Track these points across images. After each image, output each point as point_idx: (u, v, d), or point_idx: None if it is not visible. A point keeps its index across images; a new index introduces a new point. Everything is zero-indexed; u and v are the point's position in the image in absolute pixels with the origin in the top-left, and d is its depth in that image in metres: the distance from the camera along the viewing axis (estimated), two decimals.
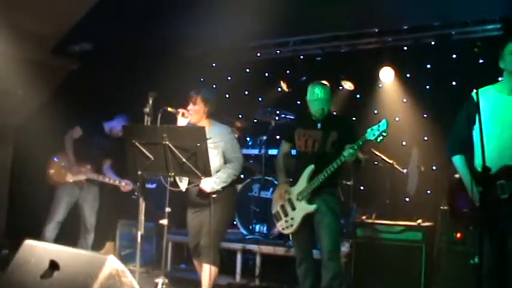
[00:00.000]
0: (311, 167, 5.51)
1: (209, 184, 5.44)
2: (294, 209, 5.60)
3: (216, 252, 5.56)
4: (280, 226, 5.75)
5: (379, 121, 5.14)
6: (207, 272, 5.53)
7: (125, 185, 7.09)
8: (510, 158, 4.27)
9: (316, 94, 5.60)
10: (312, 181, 5.49)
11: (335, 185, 5.68)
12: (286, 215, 5.66)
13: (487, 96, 4.42)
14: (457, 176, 4.59)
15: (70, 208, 7.19)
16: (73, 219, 7.28)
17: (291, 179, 5.84)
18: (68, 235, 7.16)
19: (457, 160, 4.56)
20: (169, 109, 5.45)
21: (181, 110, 5.59)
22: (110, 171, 7.29)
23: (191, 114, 5.60)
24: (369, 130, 5.15)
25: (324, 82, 5.77)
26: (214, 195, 5.45)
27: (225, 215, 5.69)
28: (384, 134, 5.08)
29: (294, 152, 5.95)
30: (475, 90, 4.33)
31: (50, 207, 7.14)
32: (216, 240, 5.57)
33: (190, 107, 5.62)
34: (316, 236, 5.55)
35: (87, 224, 7.25)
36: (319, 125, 5.62)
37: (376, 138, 5.11)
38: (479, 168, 4.28)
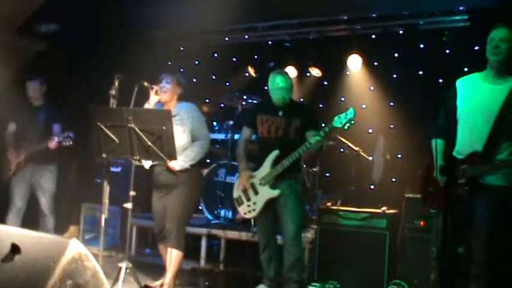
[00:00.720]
0: (276, 152, 5.52)
1: (177, 162, 5.39)
2: (256, 193, 5.62)
3: (181, 236, 5.53)
4: (242, 210, 5.78)
5: (347, 109, 5.18)
6: (172, 256, 5.50)
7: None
8: (479, 144, 4.31)
9: (277, 83, 5.61)
10: (276, 166, 5.50)
11: (298, 171, 5.73)
12: (248, 199, 5.68)
13: (467, 84, 4.48)
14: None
15: (27, 194, 7.05)
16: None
17: (252, 164, 5.86)
18: (34, 221, 7.06)
19: (434, 143, 4.54)
20: (145, 84, 5.41)
21: (155, 87, 5.53)
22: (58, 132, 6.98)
23: (164, 93, 5.55)
24: (336, 118, 5.20)
25: (285, 71, 5.81)
26: (181, 175, 5.44)
27: (190, 200, 5.65)
28: (351, 122, 5.12)
29: (254, 137, 5.97)
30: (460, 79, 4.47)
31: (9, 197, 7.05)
32: (181, 225, 5.55)
33: (163, 84, 5.56)
34: (279, 220, 5.56)
35: (43, 207, 7.09)
36: (280, 112, 5.64)
37: (343, 126, 5.16)
38: (456, 155, 4.39)
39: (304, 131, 5.52)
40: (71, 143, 6.73)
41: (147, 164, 5.56)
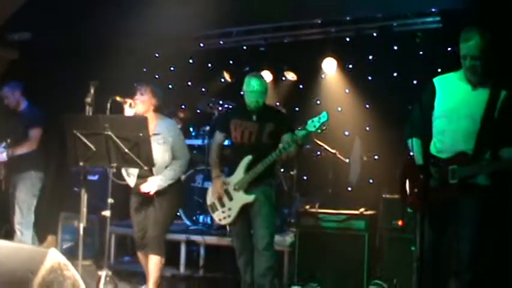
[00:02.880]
0: (249, 157, 5.47)
1: (155, 183, 5.42)
2: (231, 199, 5.57)
3: (162, 243, 5.57)
4: (217, 217, 5.72)
5: (320, 113, 5.19)
6: (154, 263, 5.52)
7: None
8: (464, 144, 4.35)
9: (252, 86, 5.57)
10: (249, 171, 5.46)
11: (272, 176, 5.67)
12: (223, 205, 5.62)
13: (445, 83, 4.51)
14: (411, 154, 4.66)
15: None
16: None
17: (225, 168, 5.85)
18: None
19: (410, 143, 4.60)
20: (118, 98, 5.36)
21: (129, 100, 5.51)
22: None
23: (139, 104, 5.54)
24: (309, 121, 5.17)
25: (261, 74, 5.80)
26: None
27: (172, 208, 5.71)
28: (324, 126, 5.14)
29: (227, 142, 5.95)
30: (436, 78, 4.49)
31: None
32: (163, 233, 5.59)
33: (138, 96, 5.56)
34: (252, 226, 5.57)
35: (15, 223, 6.86)
36: (254, 117, 5.60)
37: (317, 130, 5.15)
38: (436, 154, 4.44)
39: (278, 135, 5.49)
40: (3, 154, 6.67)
41: (131, 182, 5.56)
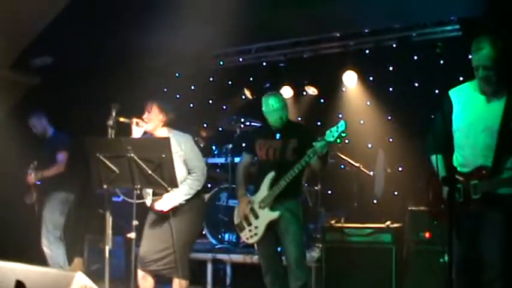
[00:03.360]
0: (271, 173, 5.44)
1: (170, 201, 5.33)
2: (257, 217, 5.52)
3: (185, 264, 5.48)
4: (244, 236, 5.67)
5: (338, 122, 5.14)
6: (180, 286, 5.46)
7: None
8: (483, 157, 4.30)
9: (271, 105, 5.56)
10: (273, 188, 5.42)
11: (297, 191, 5.63)
12: (249, 224, 5.57)
13: (462, 95, 4.45)
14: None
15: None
16: None
17: (250, 186, 5.83)
18: None
19: (433, 159, 4.50)
20: (122, 119, 5.30)
21: (135, 120, 5.47)
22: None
23: (146, 123, 5.50)
24: (327, 132, 5.13)
25: (277, 92, 5.82)
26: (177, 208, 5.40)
27: (193, 225, 5.60)
28: (343, 134, 5.08)
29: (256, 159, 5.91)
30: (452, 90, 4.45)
31: None
32: (186, 253, 5.52)
33: (145, 115, 5.53)
34: (281, 244, 5.52)
35: (43, 239, 7.19)
36: (278, 135, 5.58)
37: (336, 140, 5.10)
38: (459, 168, 4.34)
39: (302, 150, 5.39)
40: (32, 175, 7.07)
41: (148, 201, 5.53)
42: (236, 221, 5.75)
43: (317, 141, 5.16)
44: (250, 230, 5.58)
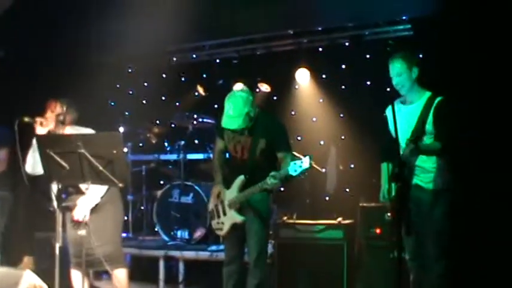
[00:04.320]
0: (241, 177, 5.34)
1: (86, 206, 5.21)
2: (224, 214, 5.47)
3: (120, 254, 5.59)
4: (213, 225, 5.63)
5: (304, 155, 4.94)
6: (123, 277, 5.50)
7: None
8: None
9: (227, 111, 5.23)
10: (242, 192, 5.33)
11: (265, 192, 5.41)
12: (218, 216, 5.52)
13: (393, 110, 4.55)
14: None
15: None
16: None
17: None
18: None
19: (381, 167, 5.19)
20: (26, 119, 5.18)
21: (38, 119, 5.34)
22: None
23: (50, 122, 5.40)
24: (292, 164, 4.92)
25: (237, 94, 5.37)
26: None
27: (116, 214, 5.64)
28: (305, 173, 4.95)
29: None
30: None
31: None
32: (116, 242, 5.58)
33: (49, 114, 5.43)
34: (246, 241, 5.51)
35: None
36: (246, 131, 5.34)
37: (297, 175, 4.93)
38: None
39: (271, 151, 5.30)
40: None
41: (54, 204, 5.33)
42: (210, 207, 5.66)
43: (278, 172, 5.02)
44: (218, 223, 5.53)
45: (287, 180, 5.15)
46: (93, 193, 5.26)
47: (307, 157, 4.88)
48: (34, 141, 5.20)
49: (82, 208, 5.25)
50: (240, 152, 5.44)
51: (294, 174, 4.92)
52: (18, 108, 7.80)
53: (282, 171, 5.04)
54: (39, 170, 5.06)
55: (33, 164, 5.28)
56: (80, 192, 5.28)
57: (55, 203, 5.29)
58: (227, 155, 5.72)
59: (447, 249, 4.80)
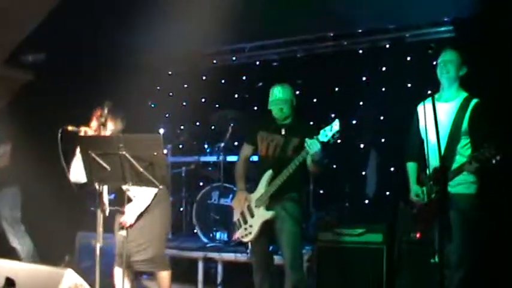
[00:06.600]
0: (269, 172, 5.36)
1: (134, 211, 5.34)
2: (252, 216, 5.45)
3: (164, 256, 5.66)
4: (239, 234, 5.58)
5: (333, 120, 5.01)
6: (166, 278, 5.56)
7: None
8: (437, 160, 4.43)
9: (274, 94, 5.49)
10: (270, 186, 5.35)
11: (296, 190, 5.46)
12: (245, 222, 5.51)
13: (427, 106, 4.61)
14: None
15: None
16: None
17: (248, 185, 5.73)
18: None
19: (407, 167, 5.15)
20: (70, 128, 5.17)
21: (83, 128, 5.35)
22: None
23: (95, 131, 5.40)
24: (321, 131, 4.98)
25: (285, 83, 5.64)
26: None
27: (163, 218, 5.65)
28: (336, 134, 4.96)
29: (255, 157, 5.83)
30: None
31: None
32: (161, 245, 5.61)
33: (93, 123, 5.47)
34: (276, 243, 5.48)
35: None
36: (282, 131, 5.47)
37: (329, 140, 4.95)
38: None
39: (303, 149, 5.23)
40: None
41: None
42: (235, 218, 5.67)
43: (309, 139, 5.00)
44: (245, 229, 5.50)
45: (314, 150, 5.00)
46: (141, 200, 5.36)
47: (336, 120, 4.96)
48: (77, 150, 5.21)
49: (130, 214, 5.35)
50: (272, 151, 5.45)
51: (325, 139, 4.94)
52: (60, 112, 8.00)
53: (308, 141, 5.00)
54: (82, 178, 5.09)
55: (77, 173, 5.32)
56: (129, 200, 5.33)
57: (107, 207, 5.32)
58: (256, 158, 5.77)
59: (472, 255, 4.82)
